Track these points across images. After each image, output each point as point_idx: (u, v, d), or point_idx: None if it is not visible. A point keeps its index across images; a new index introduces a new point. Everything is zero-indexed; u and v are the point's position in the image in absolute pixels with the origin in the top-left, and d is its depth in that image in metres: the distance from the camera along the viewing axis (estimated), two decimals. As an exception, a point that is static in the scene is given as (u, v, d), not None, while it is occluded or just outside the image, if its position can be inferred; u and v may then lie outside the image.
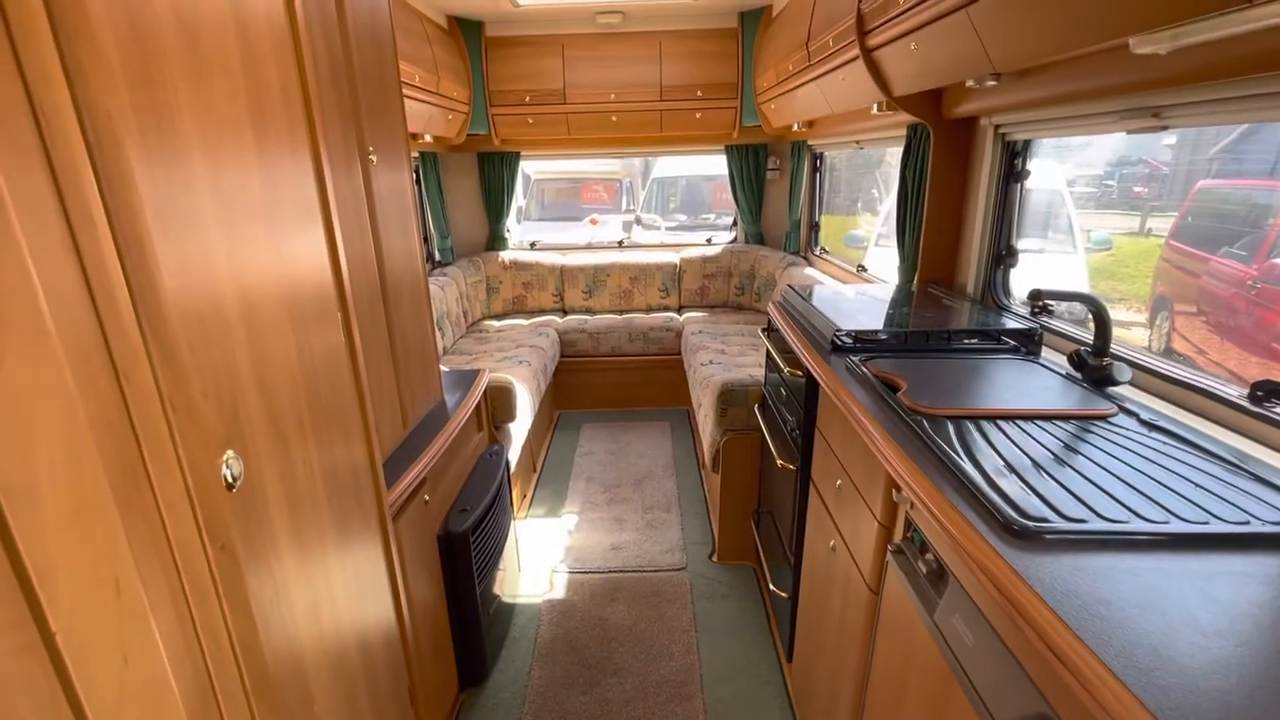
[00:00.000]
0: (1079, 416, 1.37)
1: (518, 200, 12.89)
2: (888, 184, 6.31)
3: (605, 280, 5.02)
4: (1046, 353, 1.84)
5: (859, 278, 3.68)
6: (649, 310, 5.03)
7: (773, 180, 4.95)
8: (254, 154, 0.96)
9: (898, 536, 1.32)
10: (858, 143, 3.52)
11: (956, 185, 2.39)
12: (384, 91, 1.84)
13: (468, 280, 4.71)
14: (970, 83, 1.86)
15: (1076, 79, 1.61)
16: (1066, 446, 1.24)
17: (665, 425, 4.51)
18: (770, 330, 2.54)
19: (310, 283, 1.14)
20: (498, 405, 2.90)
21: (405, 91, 3.19)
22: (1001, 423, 1.35)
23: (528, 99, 4.38)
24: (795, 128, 4.04)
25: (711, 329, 4.41)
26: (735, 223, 5.22)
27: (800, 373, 1.96)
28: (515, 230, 5.30)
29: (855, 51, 2.29)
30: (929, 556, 1.16)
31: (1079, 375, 1.58)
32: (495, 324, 4.79)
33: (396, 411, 1.86)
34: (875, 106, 2.64)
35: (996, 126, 2.12)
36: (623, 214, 10.63)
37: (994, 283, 2.26)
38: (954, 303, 2.28)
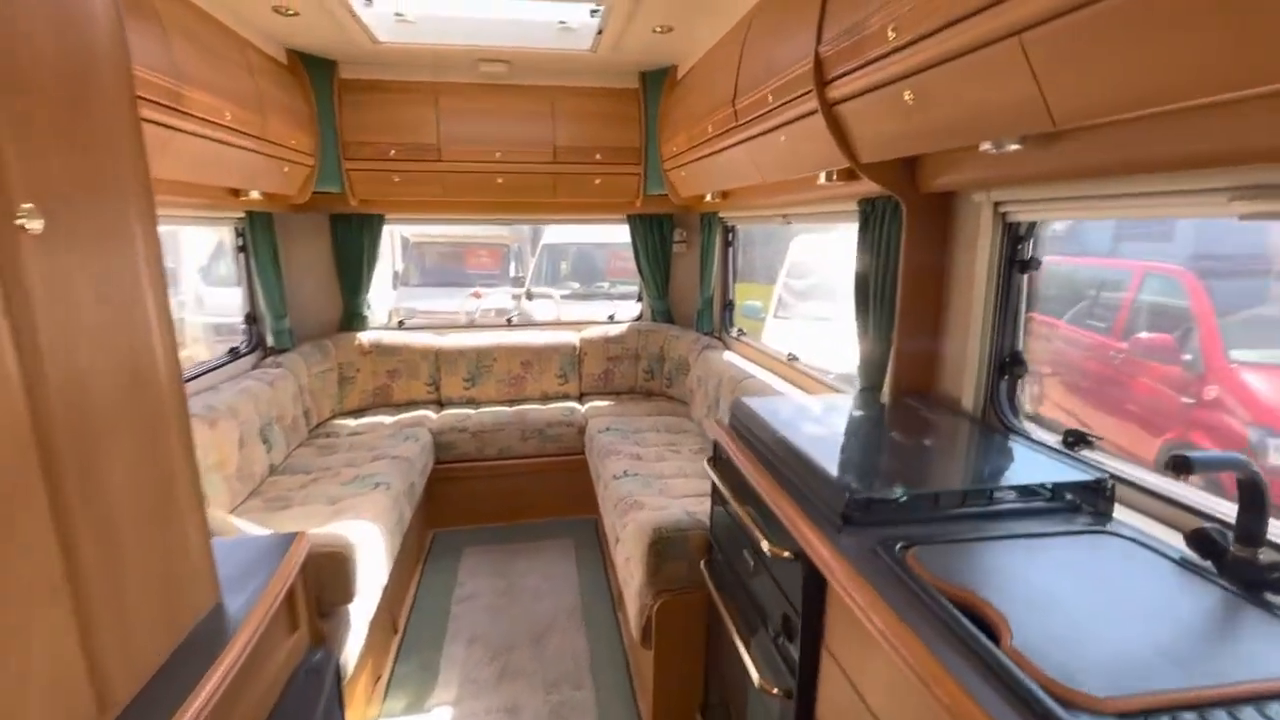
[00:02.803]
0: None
1: (394, 264, 11.75)
2: (785, 244, 6.17)
3: (491, 365, 4.22)
4: (1120, 513, 1.33)
5: (791, 369, 3.20)
6: (545, 399, 4.28)
7: (680, 253, 4.49)
8: None
9: None
10: (785, 217, 3.11)
11: (935, 273, 1.94)
12: (84, 115, 1.04)
13: (312, 370, 3.73)
14: (985, 146, 1.39)
15: (1153, 140, 1.17)
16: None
17: (568, 543, 3.70)
18: (718, 460, 1.90)
19: None
20: (327, 583, 1.99)
21: (208, 132, 2.35)
22: None
23: (393, 153, 3.63)
24: (709, 198, 3.60)
25: (621, 424, 3.74)
26: (640, 298, 4.67)
27: (790, 554, 1.31)
28: (391, 297, 4.40)
29: (811, 105, 1.80)
30: None
31: (1213, 569, 1.06)
32: (350, 423, 3.81)
33: (81, 683, 0.97)
34: (824, 175, 2.18)
35: (997, 204, 1.68)
36: (510, 282, 9.94)
37: (998, 398, 1.78)
38: (946, 422, 1.77)
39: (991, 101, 1.21)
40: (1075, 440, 1.54)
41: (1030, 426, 1.74)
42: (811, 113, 1.85)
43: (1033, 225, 1.67)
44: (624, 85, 3.84)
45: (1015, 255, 1.70)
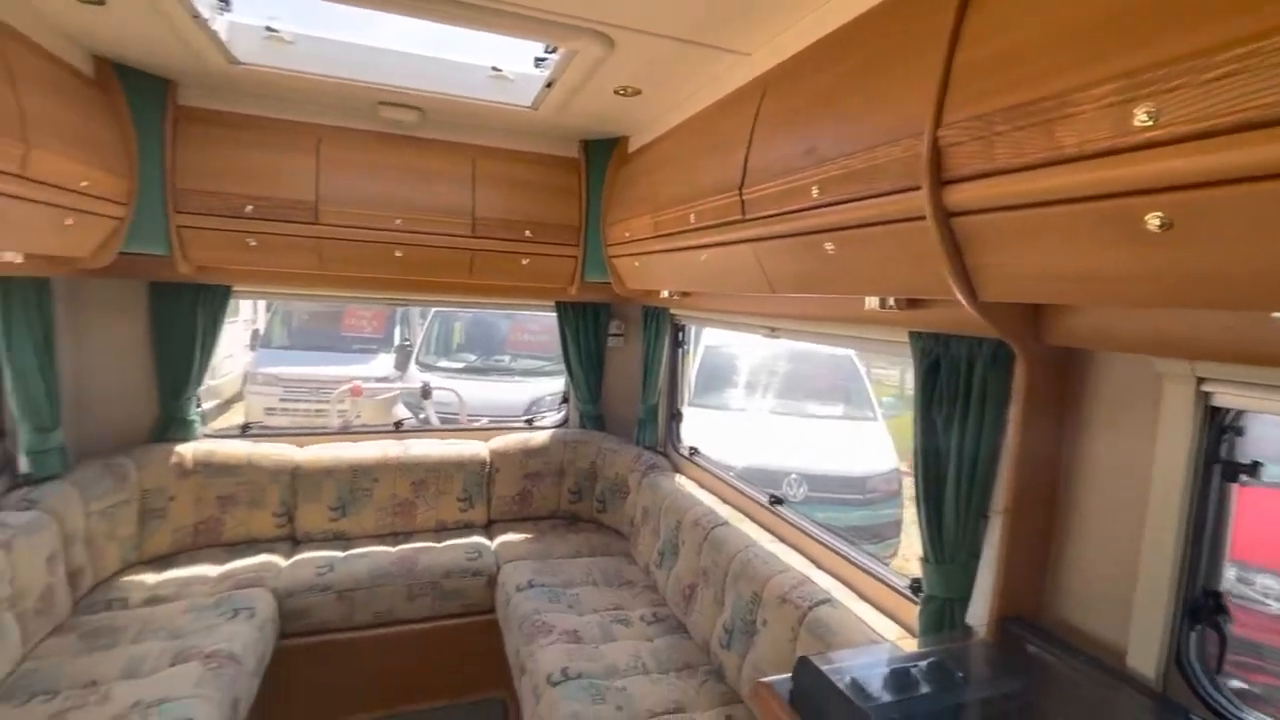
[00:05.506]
0: None
1: (255, 321, 9.97)
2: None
3: (370, 488, 3.21)
4: None
5: (774, 514, 2.55)
6: (440, 531, 3.30)
7: (616, 349, 3.81)
8: None
9: None
10: (771, 329, 2.53)
11: (1056, 457, 1.37)
12: None
13: (93, 506, 2.54)
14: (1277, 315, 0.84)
15: None
16: None
17: (468, 748, 2.70)
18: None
19: None
20: None
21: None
22: None
23: (250, 209, 2.68)
24: (665, 294, 2.98)
25: (545, 573, 2.88)
26: (565, 399, 3.89)
27: None
28: (246, 360, 3.28)
29: (910, 209, 1.22)
30: None
31: None
32: (149, 581, 2.63)
33: None
34: (877, 301, 1.61)
35: (1201, 380, 1.14)
36: (396, 350, 8.74)
37: (1187, 658, 1.19)
38: (1113, 698, 1.16)
39: None
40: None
41: (1225, 697, 1.17)
42: (902, 220, 1.27)
43: (1240, 413, 1.16)
44: (563, 153, 3.19)
45: (1218, 454, 1.16)
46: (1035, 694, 1.24)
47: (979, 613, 1.46)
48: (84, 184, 2.09)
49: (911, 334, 1.66)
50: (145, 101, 2.48)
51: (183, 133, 2.59)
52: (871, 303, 1.62)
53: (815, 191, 1.49)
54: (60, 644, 2.19)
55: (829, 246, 1.52)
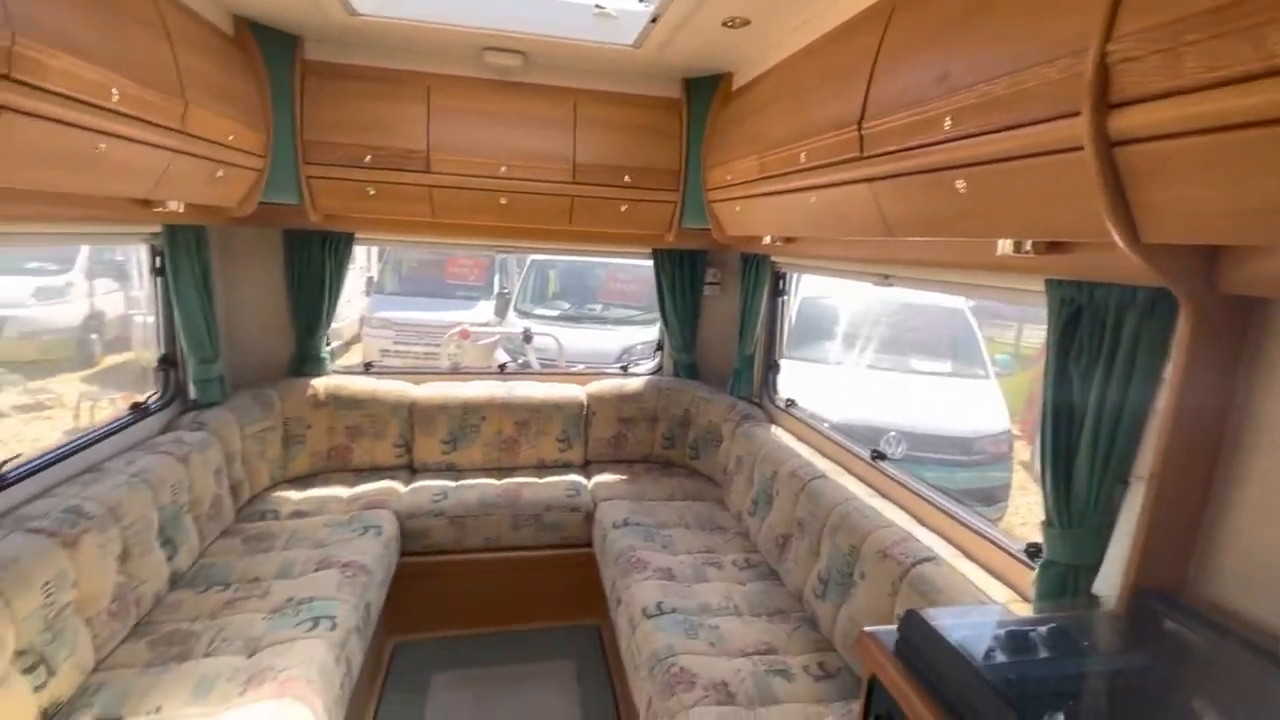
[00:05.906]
0: None
1: (368, 269, 10.68)
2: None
3: (478, 425, 3.42)
4: None
5: (875, 469, 2.47)
6: (541, 468, 3.48)
7: (712, 297, 3.76)
8: None
9: None
10: (885, 276, 2.39)
11: (1218, 419, 1.23)
12: None
13: (248, 430, 2.89)
14: None
15: None
16: None
17: (568, 667, 2.90)
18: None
19: None
20: None
21: (78, 117, 1.55)
22: None
23: (368, 159, 2.83)
24: (767, 240, 2.88)
25: (639, 512, 2.98)
26: (660, 347, 3.92)
27: None
28: (361, 305, 3.57)
29: (1065, 139, 1.09)
30: None
31: None
32: (293, 497, 2.98)
33: None
34: (1011, 245, 1.48)
35: None
36: (496, 298, 9.10)
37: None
38: (1249, 666, 1.06)
39: None
40: None
41: None
42: (1051, 153, 1.14)
43: None
44: (665, 93, 3.11)
45: None
46: (1172, 671, 1.16)
47: (1110, 582, 1.37)
48: (230, 138, 2.28)
49: (1049, 281, 1.51)
50: (277, 57, 2.64)
51: (309, 87, 2.75)
52: (1005, 247, 1.49)
53: (948, 123, 1.37)
54: (227, 545, 2.55)
55: (960, 184, 1.40)
